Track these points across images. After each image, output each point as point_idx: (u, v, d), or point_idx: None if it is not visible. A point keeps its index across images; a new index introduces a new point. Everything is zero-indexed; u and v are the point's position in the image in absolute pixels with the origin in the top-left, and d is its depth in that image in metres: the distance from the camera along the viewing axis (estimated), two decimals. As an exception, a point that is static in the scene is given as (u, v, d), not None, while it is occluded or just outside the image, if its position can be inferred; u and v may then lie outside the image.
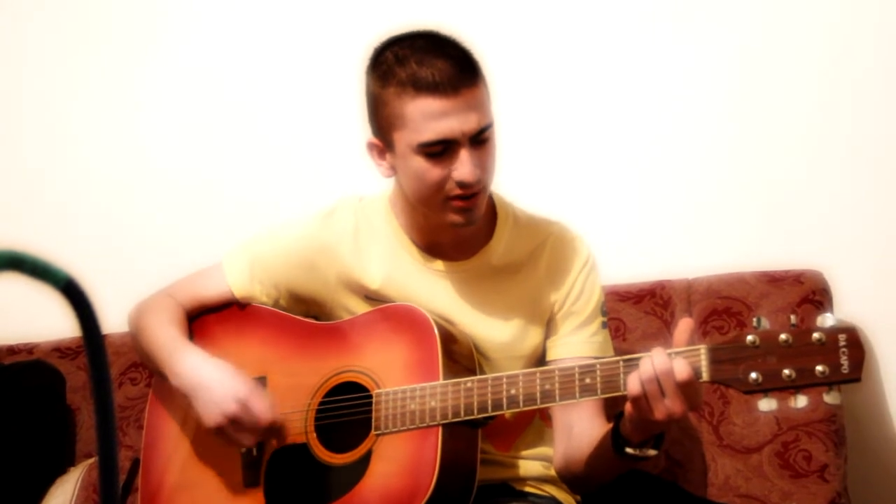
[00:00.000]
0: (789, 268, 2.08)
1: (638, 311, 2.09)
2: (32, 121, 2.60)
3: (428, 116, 1.57)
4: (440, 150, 1.59)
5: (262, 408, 1.66)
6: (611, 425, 1.58)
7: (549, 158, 2.31)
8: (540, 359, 1.73)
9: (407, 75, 1.58)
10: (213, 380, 1.68)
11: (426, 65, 1.57)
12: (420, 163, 1.60)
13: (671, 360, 1.45)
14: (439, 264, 1.72)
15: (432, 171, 1.60)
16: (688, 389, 1.45)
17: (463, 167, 1.58)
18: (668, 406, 1.46)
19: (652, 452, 1.55)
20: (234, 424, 1.66)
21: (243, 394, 1.66)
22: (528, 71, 2.32)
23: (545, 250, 1.73)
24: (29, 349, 2.39)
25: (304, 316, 1.78)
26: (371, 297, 1.73)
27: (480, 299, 1.71)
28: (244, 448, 1.70)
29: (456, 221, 1.63)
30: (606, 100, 2.29)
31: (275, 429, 1.68)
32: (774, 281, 2.06)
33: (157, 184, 2.52)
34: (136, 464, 1.98)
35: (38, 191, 2.58)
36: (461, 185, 1.59)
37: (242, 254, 1.81)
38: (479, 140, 1.60)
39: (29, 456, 2.24)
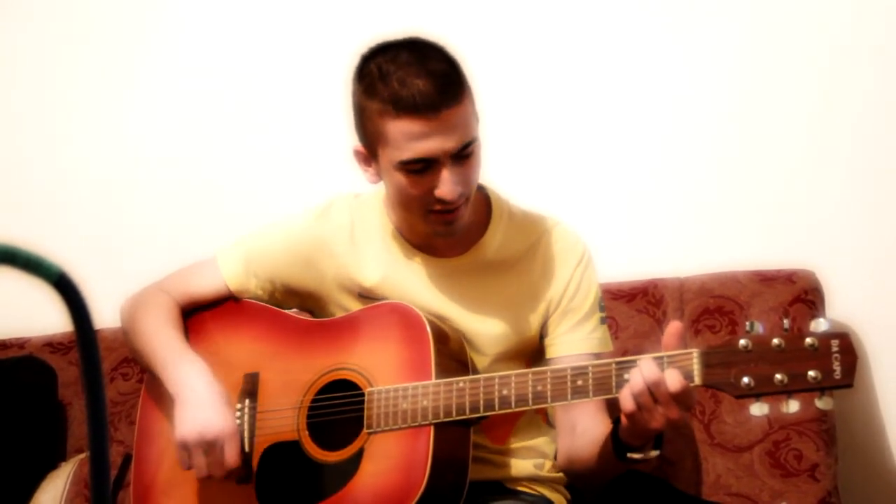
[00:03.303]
0: (781, 267, 2.08)
1: (630, 310, 2.10)
2: (25, 115, 2.60)
3: (408, 136, 1.58)
4: (421, 168, 1.60)
5: (235, 453, 1.66)
6: (611, 427, 1.58)
7: (543, 156, 2.31)
8: (535, 356, 1.73)
9: (389, 94, 1.58)
10: (207, 402, 1.67)
11: (407, 85, 1.57)
12: (401, 179, 1.61)
13: (661, 370, 1.46)
14: (433, 261, 1.72)
15: (413, 188, 1.61)
16: (681, 397, 1.46)
17: (444, 185, 1.59)
18: (663, 413, 1.46)
19: (654, 453, 1.55)
20: (203, 450, 1.66)
21: (228, 431, 1.66)
22: (522, 69, 2.32)
23: (540, 247, 1.73)
24: (20, 344, 2.39)
25: (299, 309, 1.79)
26: (365, 294, 1.73)
27: (474, 295, 1.71)
28: (198, 475, 1.68)
29: (439, 232, 1.65)
30: (600, 98, 2.29)
31: (232, 474, 1.67)
32: (766, 280, 2.06)
33: (151, 179, 2.52)
34: (127, 459, 1.98)
35: (30, 185, 2.58)
36: (442, 202, 1.60)
37: (238, 248, 1.81)
38: (462, 156, 1.60)
39: (20, 451, 2.23)
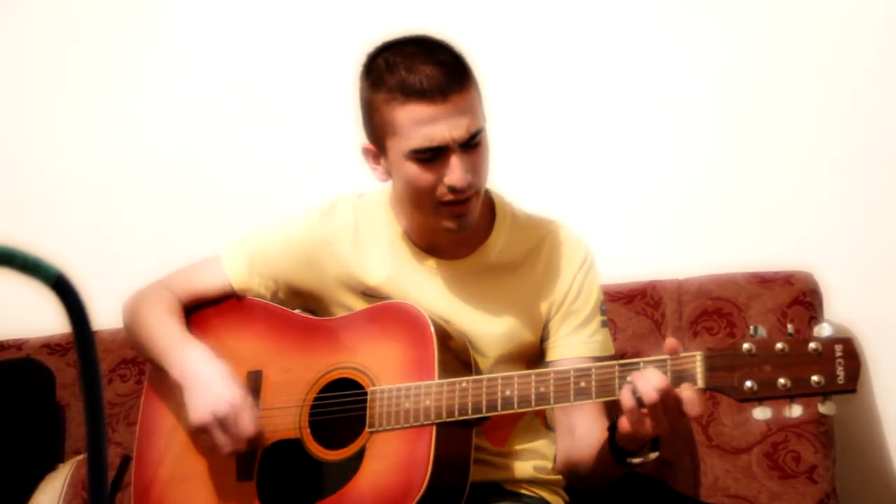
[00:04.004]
0: (780, 269, 2.08)
1: (629, 312, 2.09)
2: (24, 116, 2.59)
3: (417, 123, 1.58)
4: (430, 157, 1.60)
5: (250, 420, 1.67)
6: (607, 432, 1.58)
7: (542, 158, 2.31)
8: (535, 357, 1.73)
9: (396, 82, 1.59)
10: (212, 379, 1.68)
11: (415, 71, 1.58)
12: (412, 168, 1.61)
13: (669, 383, 1.45)
14: (437, 262, 1.73)
15: (424, 177, 1.61)
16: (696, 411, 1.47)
17: (453, 173, 1.59)
18: (670, 421, 1.47)
19: (653, 455, 1.55)
20: (220, 427, 1.66)
21: (238, 401, 1.66)
22: (523, 71, 2.32)
23: (543, 249, 1.73)
24: (18, 345, 2.38)
25: (301, 309, 1.79)
26: (368, 293, 1.73)
27: (477, 297, 1.71)
28: (223, 452, 1.69)
29: (449, 227, 1.65)
30: (599, 100, 2.29)
31: (253, 443, 1.68)
32: (765, 282, 2.07)
33: (149, 180, 2.52)
34: (125, 461, 1.98)
35: (28, 186, 2.57)
36: (452, 190, 1.60)
37: (241, 247, 1.81)
38: (471, 145, 1.60)
39: (17, 452, 2.23)
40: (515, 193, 1.81)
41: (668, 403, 1.45)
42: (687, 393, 1.45)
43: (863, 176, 2.17)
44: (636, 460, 1.55)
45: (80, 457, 2.23)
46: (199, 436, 1.70)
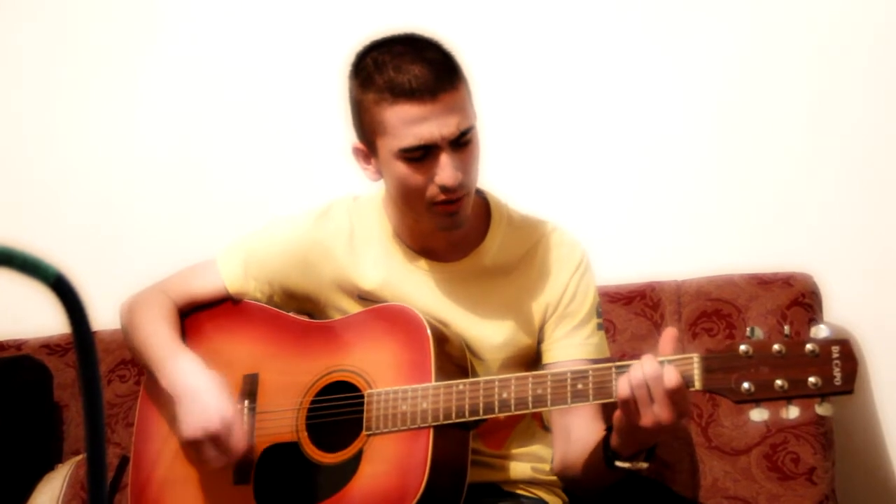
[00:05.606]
0: (779, 270, 2.08)
1: (628, 313, 2.10)
2: (22, 115, 2.59)
3: (407, 122, 1.58)
4: (420, 156, 1.59)
5: (242, 436, 1.67)
6: (604, 434, 1.58)
7: (540, 159, 2.31)
8: (534, 360, 1.73)
9: (385, 82, 1.59)
10: (204, 392, 1.67)
11: (403, 71, 1.58)
12: (402, 168, 1.61)
13: (661, 366, 1.46)
14: (432, 265, 1.72)
15: (414, 177, 1.60)
16: (676, 397, 1.46)
17: (444, 171, 1.59)
18: (656, 413, 1.46)
19: (643, 465, 1.55)
20: (211, 443, 1.66)
21: (230, 417, 1.66)
22: (519, 71, 2.32)
23: (538, 251, 1.73)
24: (17, 345, 2.38)
25: (297, 312, 1.79)
26: (364, 297, 1.73)
27: (473, 300, 1.71)
28: (213, 466, 1.69)
29: (442, 225, 1.64)
30: (598, 101, 2.29)
31: (245, 459, 1.68)
32: (764, 283, 2.07)
33: (149, 181, 2.52)
34: (123, 461, 1.98)
35: (28, 186, 2.57)
36: (443, 189, 1.60)
37: (237, 250, 1.81)
38: (461, 143, 1.60)
39: (16, 453, 2.23)
40: (513, 194, 1.81)
41: (654, 390, 1.45)
42: (669, 370, 1.45)
43: (862, 177, 2.17)
44: (625, 465, 1.54)
45: (79, 457, 2.23)
46: (190, 449, 1.69)
